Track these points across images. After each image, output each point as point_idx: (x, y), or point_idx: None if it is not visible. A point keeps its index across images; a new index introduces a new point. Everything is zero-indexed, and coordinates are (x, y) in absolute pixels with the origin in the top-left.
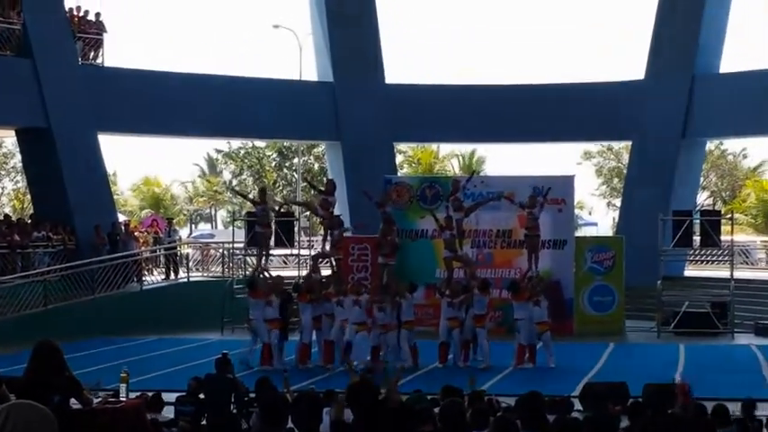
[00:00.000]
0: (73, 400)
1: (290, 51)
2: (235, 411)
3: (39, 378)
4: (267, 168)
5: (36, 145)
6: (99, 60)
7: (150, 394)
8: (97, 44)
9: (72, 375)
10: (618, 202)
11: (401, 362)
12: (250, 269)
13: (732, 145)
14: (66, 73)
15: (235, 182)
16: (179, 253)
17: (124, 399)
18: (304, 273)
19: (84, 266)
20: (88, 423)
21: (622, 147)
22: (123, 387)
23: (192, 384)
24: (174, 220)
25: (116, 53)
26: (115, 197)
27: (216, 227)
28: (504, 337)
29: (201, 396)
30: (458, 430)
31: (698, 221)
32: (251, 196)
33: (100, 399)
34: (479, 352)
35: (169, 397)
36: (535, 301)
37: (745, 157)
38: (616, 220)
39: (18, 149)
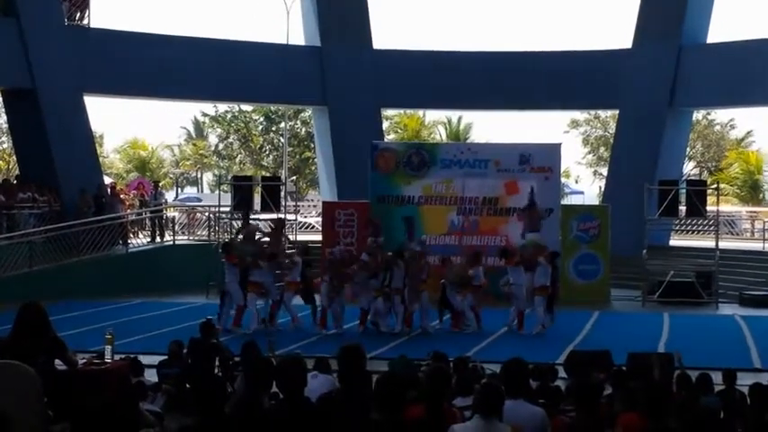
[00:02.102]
0: (58, 361)
1: (278, 15)
2: (220, 375)
3: (24, 339)
4: (254, 132)
5: (21, 106)
6: (85, 21)
7: (132, 357)
8: (83, 5)
9: (57, 336)
10: (604, 170)
11: (389, 328)
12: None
13: (720, 115)
14: (52, 33)
15: (221, 146)
16: (165, 216)
17: (109, 360)
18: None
19: (70, 228)
20: (73, 384)
21: (609, 116)
22: (108, 349)
23: (173, 348)
24: (161, 184)
25: (103, 14)
26: (101, 159)
27: (202, 190)
28: (492, 304)
29: (185, 359)
30: (443, 396)
31: (684, 191)
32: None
33: (85, 360)
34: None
35: (153, 360)
36: (527, 267)
37: (732, 127)
38: (602, 188)
39: (3, 110)
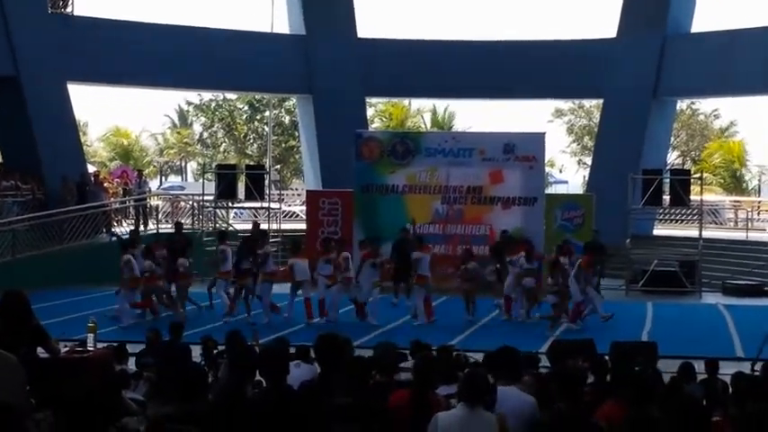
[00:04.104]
0: (40, 350)
1: (263, 4)
2: (202, 363)
3: (6, 327)
4: (238, 121)
5: (4, 93)
6: (69, 9)
7: (115, 345)
8: None
9: (39, 325)
10: (589, 160)
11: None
12: (220, 221)
13: (704, 105)
14: (36, 21)
15: (206, 134)
16: (148, 204)
17: (91, 348)
18: (274, 226)
19: (53, 216)
20: (55, 372)
21: (593, 105)
22: (91, 337)
23: (151, 336)
24: (145, 172)
25: (87, 2)
26: (85, 148)
27: (186, 179)
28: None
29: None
30: (428, 384)
31: (668, 180)
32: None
33: (67, 348)
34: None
35: (137, 348)
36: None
37: (716, 117)
38: (586, 178)
39: None
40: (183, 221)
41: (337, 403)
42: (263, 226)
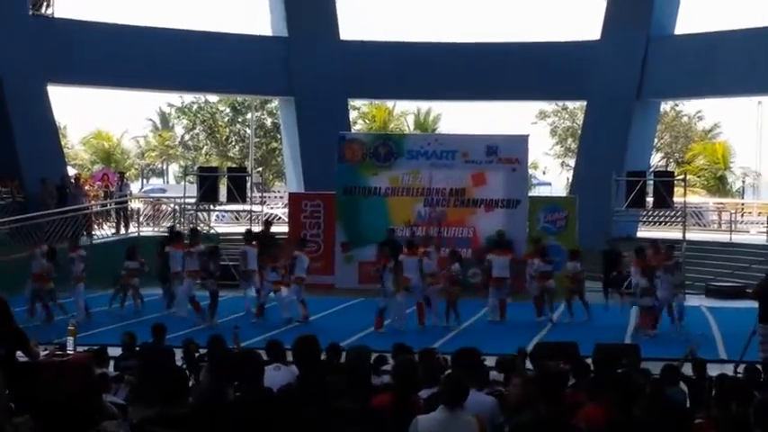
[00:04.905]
0: (20, 353)
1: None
2: (183, 366)
3: None
4: (220, 124)
5: None
6: (50, 11)
7: (96, 348)
8: None
9: (18, 328)
10: (572, 162)
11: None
12: (201, 224)
13: (687, 107)
14: (17, 23)
15: (187, 137)
16: (130, 207)
17: (71, 352)
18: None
19: (33, 219)
20: (35, 376)
21: (577, 107)
22: (71, 340)
23: (126, 340)
24: (126, 175)
25: (67, 4)
26: (65, 150)
27: (168, 182)
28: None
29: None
30: (411, 387)
31: (651, 182)
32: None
33: (47, 352)
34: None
35: (116, 351)
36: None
37: (700, 119)
38: (570, 180)
39: None
40: (169, 224)
41: (339, 406)
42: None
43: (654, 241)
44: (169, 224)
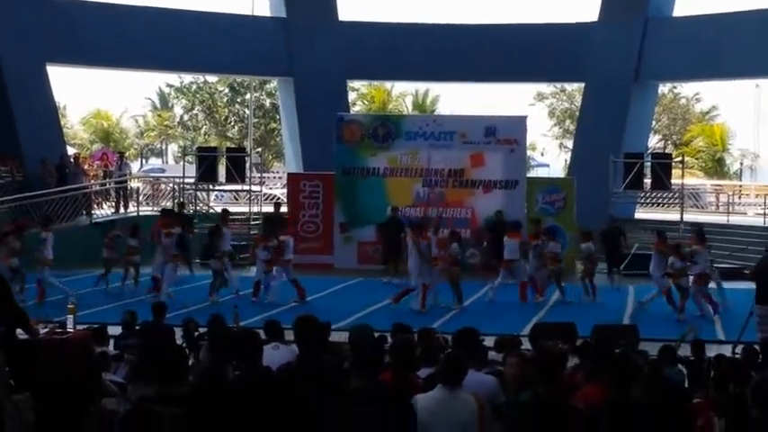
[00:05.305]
0: (19, 331)
1: None
2: (183, 345)
3: None
4: (219, 104)
5: None
6: None
7: (95, 327)
8: None
9: (18, 306)
10: (570, 143)
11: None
12: (201, 204)
13: (685, 89)
14: (15, 3)
15: (186, 117)
16: (129, 187)
17: (71, 330)
18: (255, 209)
19: (33, 199)
20: (35, 354)
21: (575, 88)
22: (70, 318)
23: (127, 318)
24: (126, 155)
25: None
26: (65, 130)
27: (167, 162)
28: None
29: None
30: (409, 365)
31: (649, 164)
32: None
33: (47, 330)
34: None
35: (116, 330)
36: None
37: (698, 101)
38: (568, 161)
39: None
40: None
41: (354, 386)
42: (244, 209)
43: (695, 225)
44: (166, 203)
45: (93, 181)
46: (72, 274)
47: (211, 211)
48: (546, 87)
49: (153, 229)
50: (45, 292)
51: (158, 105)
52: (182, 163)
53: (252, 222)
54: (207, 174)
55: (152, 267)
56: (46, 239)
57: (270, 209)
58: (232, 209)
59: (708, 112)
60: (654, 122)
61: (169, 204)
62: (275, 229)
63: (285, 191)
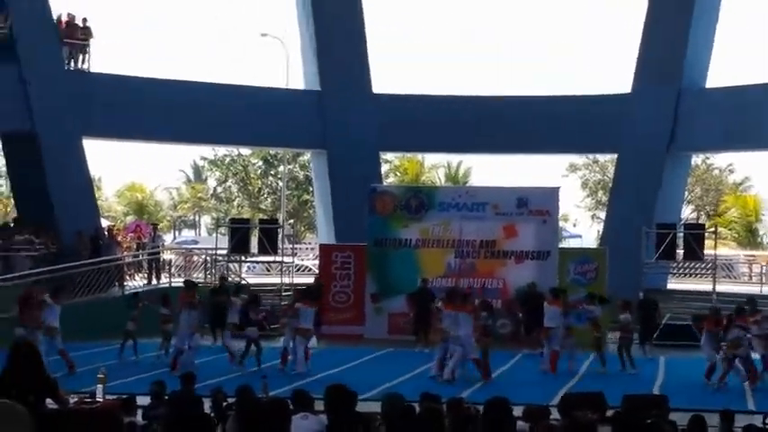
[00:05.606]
0: (49, 401)
1: (278, 60)
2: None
3: (15, 378)
4: (252, 176)
5: (21, 149)
6: (85, 66)
7: (124, 397)
8: (84, 49)
9: (49, 376)
10: (603, 215)
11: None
12: (233, 275)
13: (718, 160)
14: (53, 77)
15: (220, 189)
16: (161, 258)
17: (100, 400)
18: (287, 280)
19: (66, 270)
20: (64, 423)
21: (608, 160)
22: (100, 388)
23: (155, 389)
24: (159, 226)
25: (103, 59)
26: (99, 203)
27: (200, 233)
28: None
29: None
30: None
31: (681, 235)
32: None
33: (76, 399)
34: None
35: (145, 401)
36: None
37: (731, 171)
38: (600, 233)
39: (2, 153)
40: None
41: None
42: (276, 280)
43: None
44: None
45: (126, 252)
46: (103, 344)
47: (243, 282)
48: (578, 158)
49: (179, 300)
50: (72, 363)
51: (192, 178)
52: (215, 234)
53: (283, 293)
54: (239, 245)
55: (175, 339)
56: (53, 308)
57: (302, 280)
58: (264, 280)
59: (741, 183)
60: (687, 193)
61: (201, 276)
62: (308, 299)
63: (317, 262)
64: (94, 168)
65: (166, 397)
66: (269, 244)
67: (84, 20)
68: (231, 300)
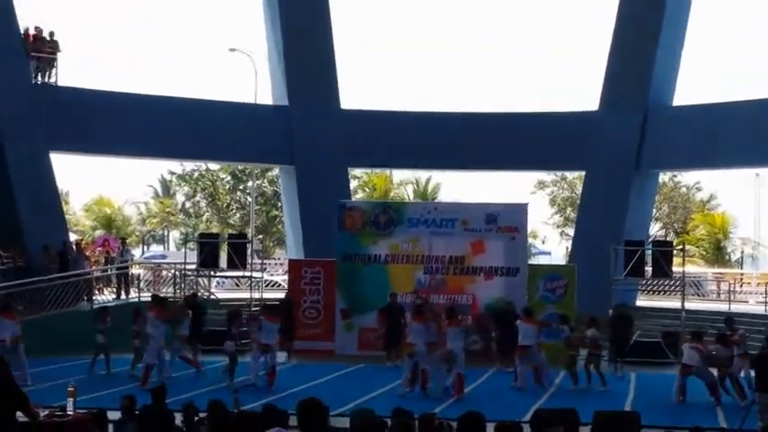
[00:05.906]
0: (20, 414)
1: (246, 75)
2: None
3: None
4: (221, 191)
5: None
6: (53, 79)
7: (95, 411)
8: (51, 63)
9: (19, 389)
10: (571, 231)
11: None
12: (202, 290)
13: (686, 177)
14: (20, 90)
15: (188, 204)
16: (130, 273)
17: (71, 413)
18: (256, 295)
19: (34, 284)
20: None
21: (576, 177)
22: (70, 402)
23: (125, 403)
24: (127, 241)
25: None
26: (67, 217)
27: (168, 248)
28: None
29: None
30: None
31: (650, 252)
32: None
33: (46, 413)
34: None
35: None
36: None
37: (698, 189)
38: (569, 249)
39: None
40: (163, 290)
41: None
42: (245, 295)
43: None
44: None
45: (94, 267)
46: (73, 359)
47: (212, 297)
48: (547, 176)
49: (145, 316)
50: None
51: (160, 192)
52: (183, 249)
53: (252, 309)
54: (208, 260)
55: (145, 355)
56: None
57: (271, 295)
58: (234, 295)
59: (708, 201)
60: (655, 211)
61: (171, 291)
62: (273, 314)
63: (286, 277)
64: (62, 182)
65: (137, 411)
66: (238, 259)
67: (52, 33)
68: (186, 313)
